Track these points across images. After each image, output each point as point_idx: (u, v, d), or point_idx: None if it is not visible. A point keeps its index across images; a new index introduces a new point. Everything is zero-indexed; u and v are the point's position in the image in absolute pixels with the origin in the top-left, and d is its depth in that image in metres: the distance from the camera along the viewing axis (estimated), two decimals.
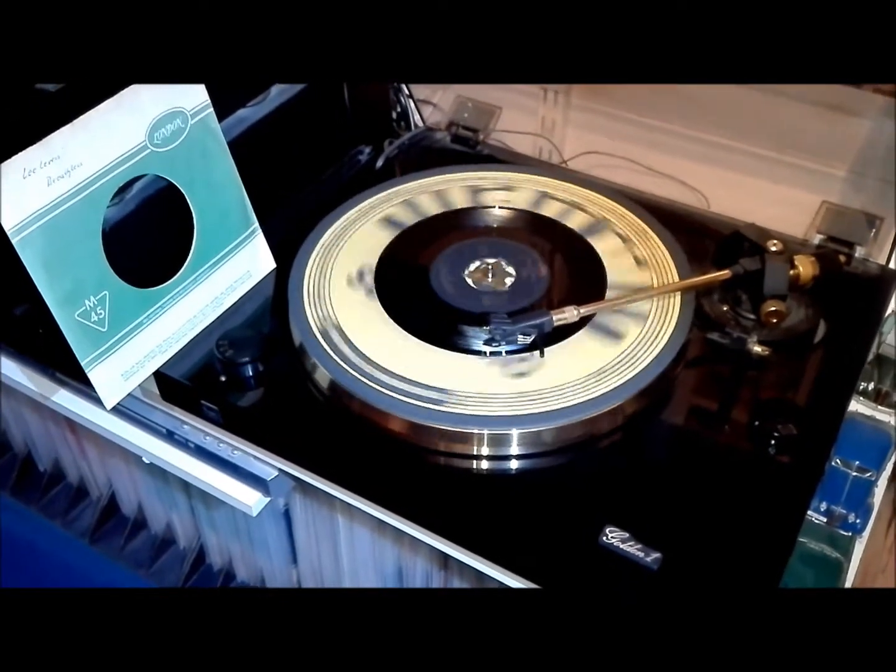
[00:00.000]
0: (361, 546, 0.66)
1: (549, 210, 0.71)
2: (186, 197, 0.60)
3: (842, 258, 0.67)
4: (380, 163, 0.80)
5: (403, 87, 0.85)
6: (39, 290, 0.53)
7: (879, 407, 0.64)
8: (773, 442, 0.55)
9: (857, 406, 0.64)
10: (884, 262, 0.69)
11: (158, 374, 0.61)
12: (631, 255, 0.66)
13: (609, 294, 0.63)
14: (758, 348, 0.59)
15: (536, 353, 0.58)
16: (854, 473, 0.59)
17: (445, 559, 0.59)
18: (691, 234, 0.70)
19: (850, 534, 0.59)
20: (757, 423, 0.56)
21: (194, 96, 0.59)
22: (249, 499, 0.62)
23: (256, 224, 0.66)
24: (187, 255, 0.61)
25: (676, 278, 0.63)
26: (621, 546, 0.49)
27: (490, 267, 0.65)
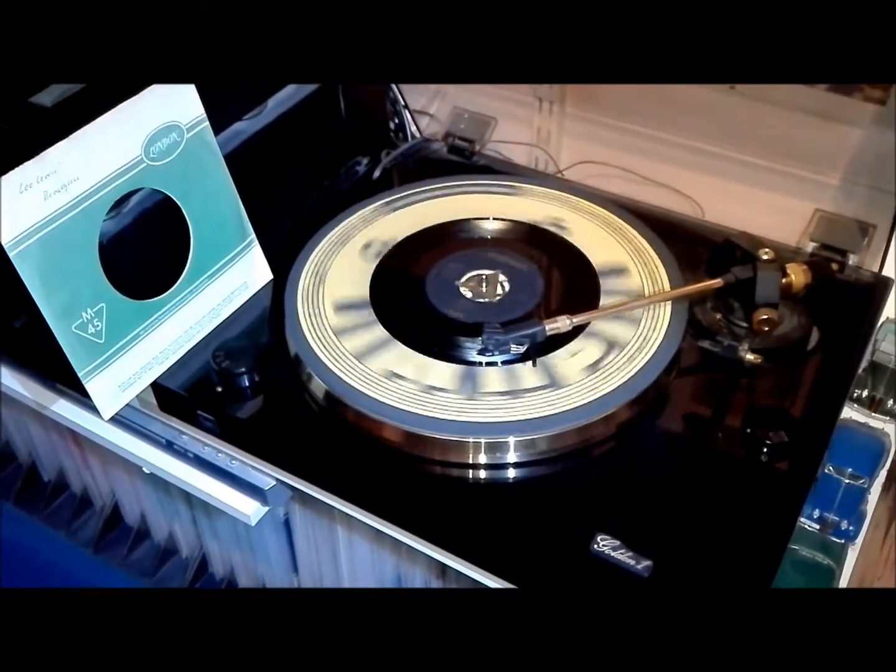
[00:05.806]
0: (360, 555, 0.67)
1: (544, 220, 0.71)
2: (183, 209, 0.61)
3: (834, 266, 0.67)
4: (377, 173, 0.81)
5: (400, 97, 0.86)
6: (37, 302, 0.53)
7: (873, 414, 0.64)
8: (765, 449, 0.55)
9: (851, 413, 0.64)
10: (877, 270, 0.69)
11: (156, 385, 0.61)
12: (624, 264, 0.66)
13: (602, 303, 0.63)
14: (750, 356, 0.59)
15: (529, 362, 0.58)
16: (847, 480, 0.59)
17: (443, 568, 0.60)
18: (685, 243, 0.70)
19: (842, 541, 0.59)
20: (749, 430, 0.56)
21: (190, 110, 0.59)
22: (248, 508, 0.62)
23: (253, 236, 0.66)
24: (184, 267, 0.62)
25: (669, 287, 0.64)
26: (613, 554, 0.49)
27: (484, 277, 0.66)
